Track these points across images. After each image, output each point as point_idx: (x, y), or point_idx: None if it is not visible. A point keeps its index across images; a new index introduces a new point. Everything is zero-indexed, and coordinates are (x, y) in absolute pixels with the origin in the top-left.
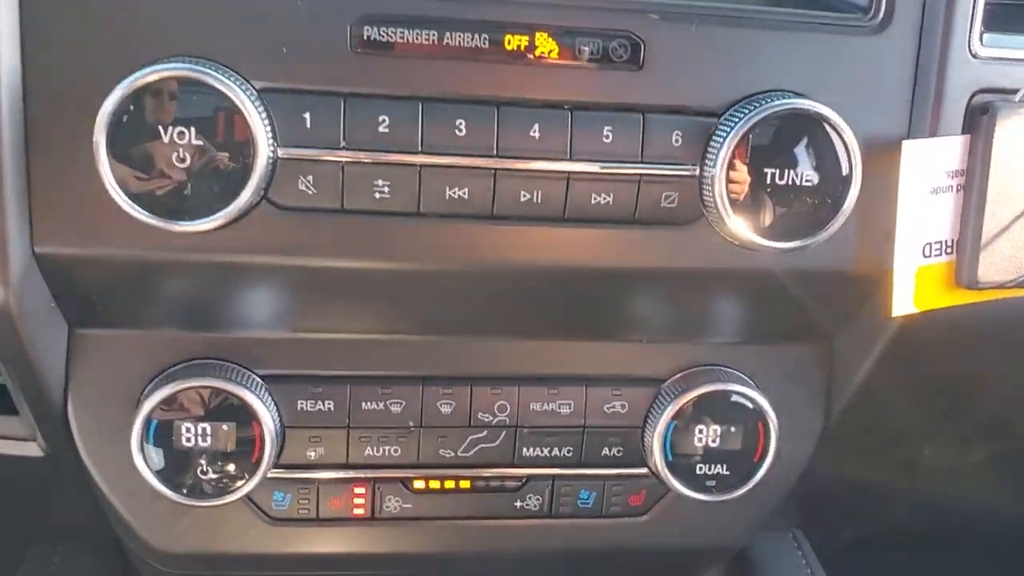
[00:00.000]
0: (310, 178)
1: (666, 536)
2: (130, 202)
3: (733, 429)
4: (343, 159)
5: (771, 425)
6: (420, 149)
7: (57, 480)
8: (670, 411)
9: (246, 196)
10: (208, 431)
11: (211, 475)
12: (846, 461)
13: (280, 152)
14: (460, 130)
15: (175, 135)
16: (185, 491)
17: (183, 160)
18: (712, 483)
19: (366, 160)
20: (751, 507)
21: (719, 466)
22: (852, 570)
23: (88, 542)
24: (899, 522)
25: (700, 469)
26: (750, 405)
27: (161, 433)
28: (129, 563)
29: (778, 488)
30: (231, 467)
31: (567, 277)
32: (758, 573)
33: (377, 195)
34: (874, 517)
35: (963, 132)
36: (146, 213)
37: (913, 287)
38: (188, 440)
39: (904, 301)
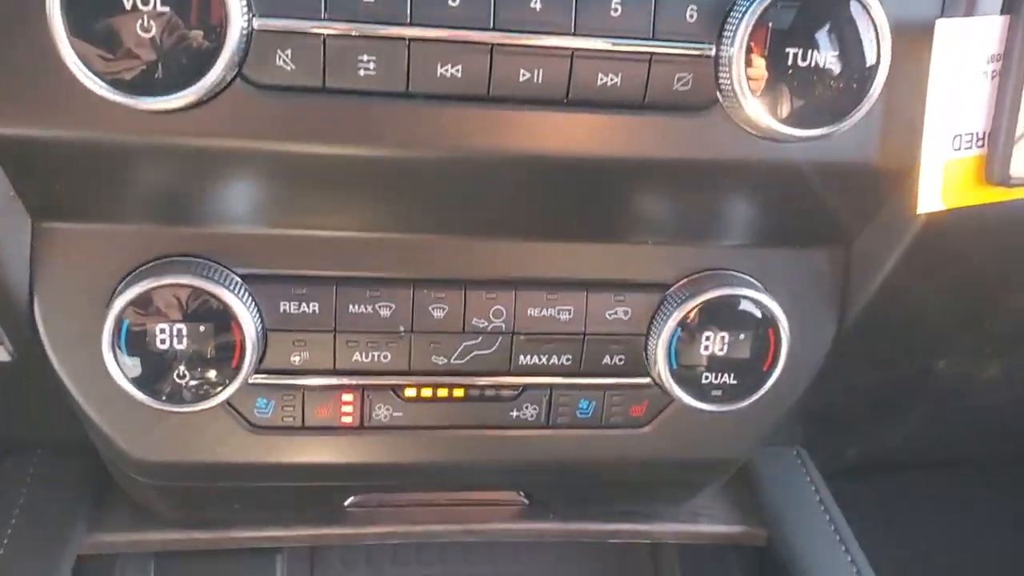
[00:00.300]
0: (288, 52)
1: (668, 449)
2: (92, 76)
3: (742, 336)
4: (324, 31)
5: (782, 332)
6: (409, 20)
7: (28, 386)
8: (676, 317)
9: (218, 71)
10: (184, 333)
11: (188, 380)
12: (856, 373)
13: (256, 23)
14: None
15: (139, 2)
16: (161, 397)
17: (148, 31)
18: (718, 393)
19: (350, 33)
20: (757, 419)
21: (726, 375)
22: (852, 492)
23: (65, 450)
24: (905, 440)
25: (706, 378)
26: (760, 311)
27: (134, 335)
28: (108, 470)
29: (786, 399)
30: (210, 372)
31: (568, 168)
32: (761, 490)
33: (361, 72)
34: (880, 434)
35: (1002, 12)
36: (109, 88)
37: (941, 182)
38: (163, 343)
39: (931, 197)
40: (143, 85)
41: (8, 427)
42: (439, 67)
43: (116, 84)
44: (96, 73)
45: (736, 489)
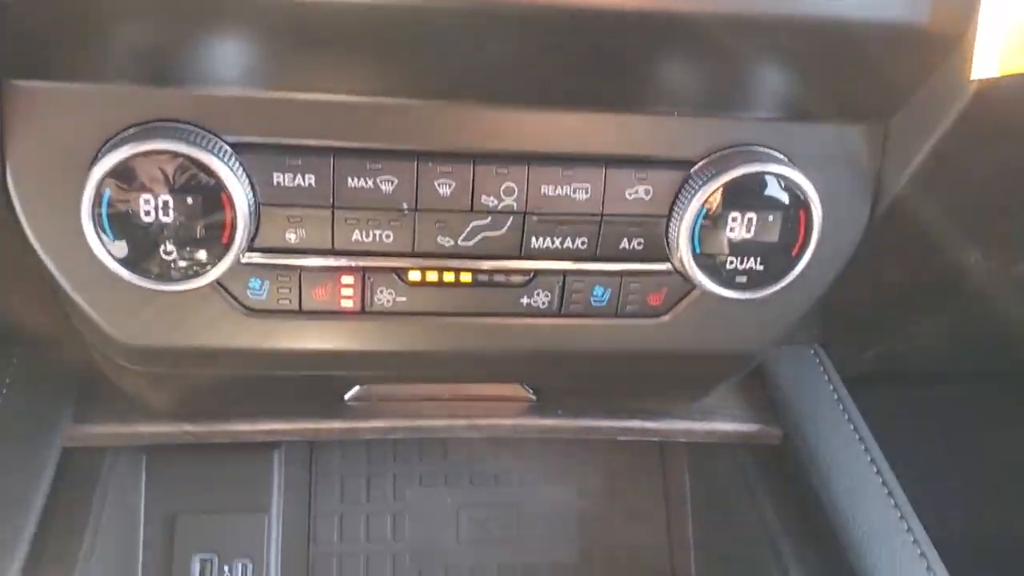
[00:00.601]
0: None
1: (685, 340)
2: None
3: (771, 218)
4: None
5: (814, 215)
6: None
7: (4, 269)
8: (700, 197)
9: None
10: (170, 205)
11: (176, 257)
12: (884, 266)
13: None
14: None
15: None
16: (147, 275)
17: None
18: (743, 280)
19: None
20: (782, 309)
21: (752, 260)
22: (867, 401)
23: (48, 341)
24: (925, 347)
25: (731, 264)
26: (792, 191)
27: (115, 207)
28: (94, 361)
29: (814, 288)
30: (199, 248)
31: (591, 19)
32: (777, 388)
33: None
34: (901, 337)
35: None
36: None
37: (1000, 45)
38: (147, 215)
39: (987, 62)
40: None
41: None
42: None
43: None
44: None
45: (750, 387)
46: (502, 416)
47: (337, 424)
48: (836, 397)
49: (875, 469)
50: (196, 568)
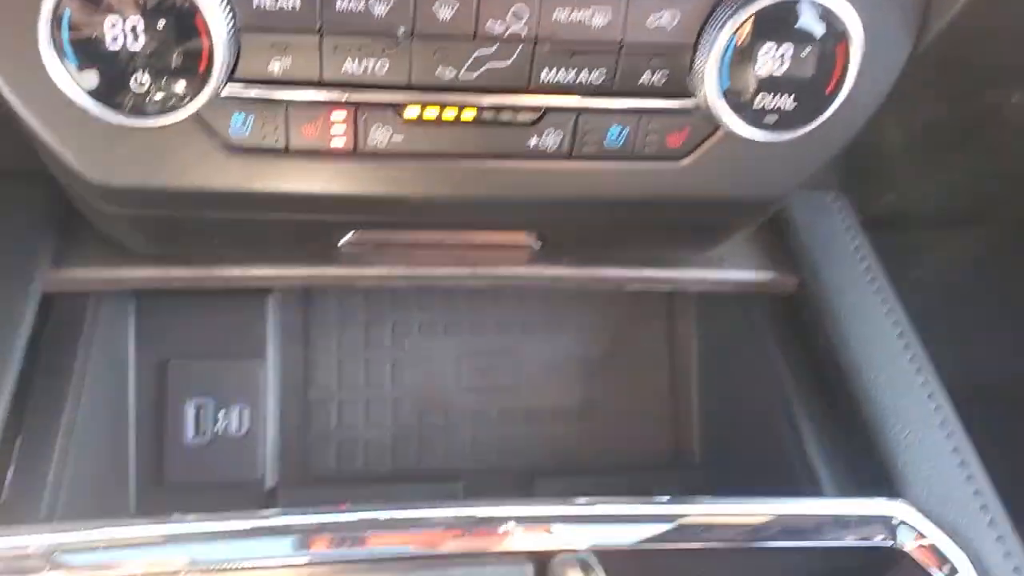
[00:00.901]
0: None
1: (706, 184)
2: None
3: (807, 51)
4: None
5: (853, 48)
6: None
7: None
8: (731, 26)
9: None
10: (140, 28)
11: (149, 87)
12: (919, 104)
13: None
14: None
15: None
16: (117, 107)
17: None
18: (772, 119)
19: None
20: (812, 152)
21: (783, 98)
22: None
23: (17, 176)
24: (950, 192)
25: (760, 102)
26: (831, 21)
27: (78, 30)
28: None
29: (847, 129)
30: (173, 78)
31: None
32: (793, 234)
33: None
34: (926, 181)
35: None
36: None
37: None
38: (115, 41)
39: None
40: None
41: None
42: None
43: None
44: None
45: (765, 234)
46: (505, 264)
47: (332, 271)
48: (855, 245)
49: (892, 319)
50: (191, 413)
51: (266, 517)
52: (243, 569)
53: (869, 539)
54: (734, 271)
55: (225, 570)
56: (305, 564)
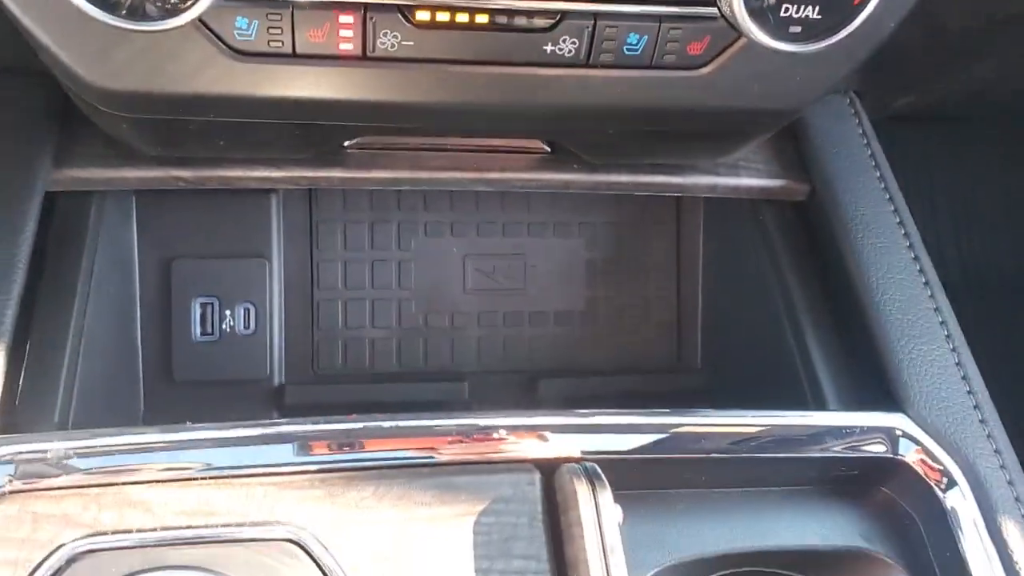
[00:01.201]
0: None
1: (725, 95)
2: None
3: None
4: None
5: None
6: None
7: None
8: None
9: None
10: None
11: None
12: (945, 7)
13: None
14: None
15: None
16: (116, 10)
17: None
18: (797, 29)
19: None
20: (833, 64)
21: (809, 7)
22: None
23: (17, 72)
24: (968, 93)
25: (785, 10)
26: None
27: None
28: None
29: (872, 39)
30: None
31: None
32: (807, 140)
33: None
34: (945, 81)
35: None
36: None
37: None
38: None
39: None
40: None
41: None
42: None
43: None
44: None
45: (779, 140)
46: (514, 170)
47: (337, 173)
48: (869, 152)
49: (903, 232)
50: (197, 312)
51: (275, 425)
52: (253, 475)
53: (870, 450)
54: (745, 177)
55: (236, 475)
56: (314, 471)
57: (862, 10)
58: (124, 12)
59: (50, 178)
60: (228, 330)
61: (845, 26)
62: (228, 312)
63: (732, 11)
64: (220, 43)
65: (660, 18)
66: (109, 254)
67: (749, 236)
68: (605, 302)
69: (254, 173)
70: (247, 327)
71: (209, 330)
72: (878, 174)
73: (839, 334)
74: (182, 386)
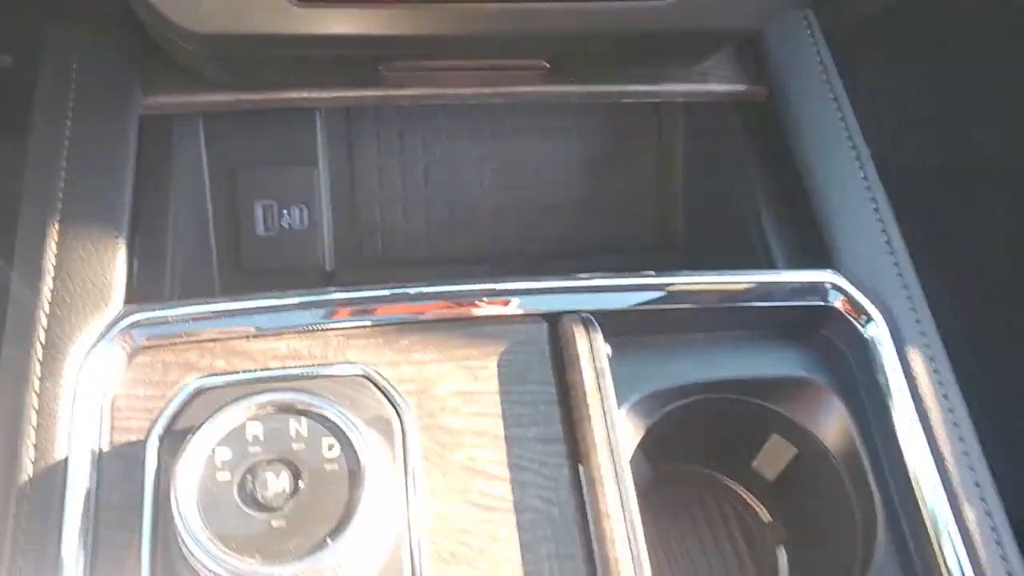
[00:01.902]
0: None
1: (690, 18)
2: None
3: None
4: None
5: None
6: None
7: None
8: None
9: None
10: None
11: None
12: None
13: None
14: None
15: None
16: None
17: None
18: None
19: None
20: None
21: None
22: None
23: (106, 19)
24: None
25: None
26: None
27: None
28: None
29: None
30: None
31: None
32: (766, 52)
33: None
34: None
35: None
36: None
37: None
38: None
39: None
40: None
41: None
42: None
43: None
44: None
45: (743, 53)
46: (522, 84)
47: (372, 92)
48: (819, 60)
49: (843, 126)
50: (259, 212)
51: (342, 291)
52: (328, 329)
53: (807, 300)
54: (715, 84)
55: (315, 330)
56: (372, 325)
57: None
58: None
59: (142, 105)
60: (286, 227)
61: None
62: (285, 211)
63: None
64: None
65: None
66: (187, 166)
67: (722, 134)
68: (601, 195)
69: (305, 95)
70: (301, 223)
71: (270, 227)
72: (825, 79)
73: (790, 215)
74: (249, 274)
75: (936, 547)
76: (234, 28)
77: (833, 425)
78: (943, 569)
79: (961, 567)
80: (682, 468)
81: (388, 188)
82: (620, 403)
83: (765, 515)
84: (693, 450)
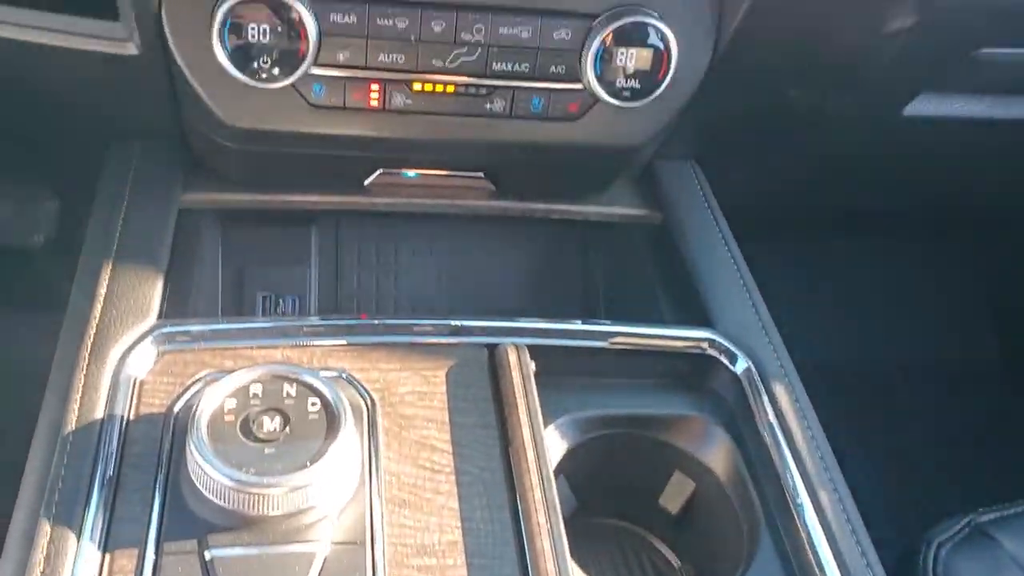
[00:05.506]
0: None
1: (593, 135)
2: None
3: (645, 53)
4: None
5: (673, 52)
6: None
7: (142, 78)
8: (600, 37)
9: None
10: (268, 30)
11: (270, 65)
12: (730, 96)
13: None
14: None
15: None
16: (250, 75)
17: None
18: (627, 94)
19: None
20: (655, 114)
21: (633, 81)
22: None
23: (157, 136)
24: (782, 180)
25: (619, 83)
26: (659, 36)
27: (233, 30)
28: (190, 157)
29: (675, 101)
30: (284, 61)
31: None
32: (660, 186)
33: None
34: (755, 161)
35: None
36: None
37: None
38: (253, 36)
39: None
40: None
41: (117, 117)
42: None
43: None
44: None
45: (644, 187)
46: (473, 199)
47: (359, 199)
48: (702, 193)
49: (724, 244)
50: (260, 301)
51: (325, 319)
52: (312, 345)
53: (693, 351)
54: (620, 208)
55: (302, 345)
56: (331, 344)
57: (663, 83)
58: (254, 77)
59: (183, 200)
60: (280, 313)
61: (654, 91)
62: (281, 301)
63: (591, 86)
64: (303, 99)
65: (550, 90)
66: (207, 259)
67: (630, 249)
68: (536, 297)
69: (306, 198)
70: (294, 311)
71: (267, 313)
72: (705, 204)
73: (685, 297)
74: None
75: (804, 534)
76: (262, 124)
77: (720, 453)
78: (809, 552)
79: (823, 548)
80: (592, 521)
81: (365, 287)
82: (545, 423)
83: (674, 559)
84: (607, 487)
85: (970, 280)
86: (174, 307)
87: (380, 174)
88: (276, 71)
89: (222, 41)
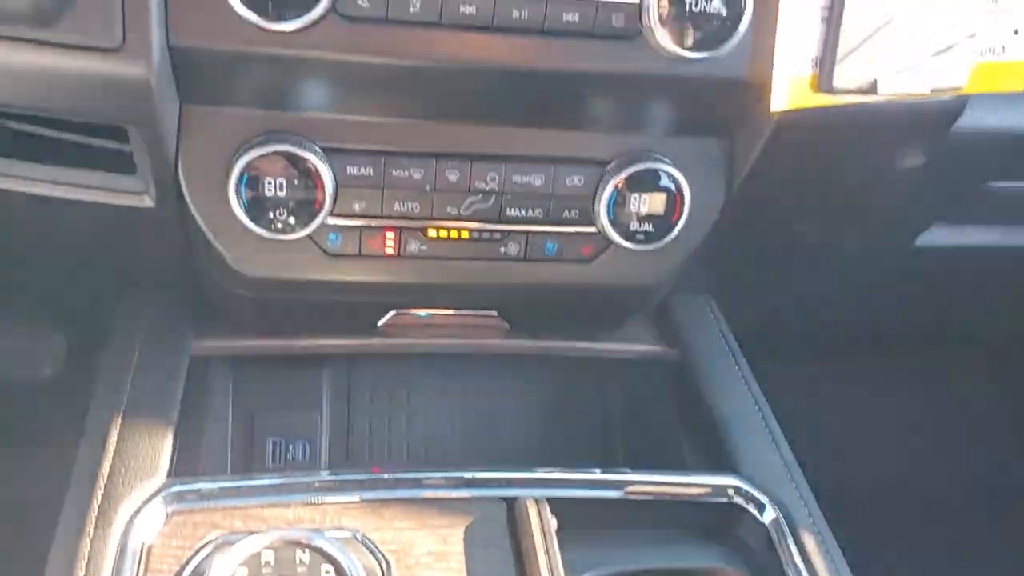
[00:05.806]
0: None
1: (607, 277)
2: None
3: (658, 196)
4: None
5: (685, 196)
6: None
7: (157, 229)
8: (613, 183)
9: (320, 8)
10: (283, 184)
11: (286, 217)
12: (744, 235)
13: None
14: None
15: None
16: (266, 227)
17: None
18: (641, 237)
19: None
20: (669, 257)
21: (647, 224)
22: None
23: (170, 283)
24: (797, 309)
25: (633, 227)
26: (671, 180)
27: (250, 184)
28: (201, 303)
29: (689, 244)
30: (300, 213)
31: (540, 75)
32: (677, 322)
33: (411, 9)
34: (770, 294)
35: None
36: (253, 14)
37: (787, 91)
38: (269, 190)
39: (780, 100)
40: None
41: (132, 266)
42: (461, 6)
43: (257, 9)
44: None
45: (660, 322)
46: (489, 337)
47: (371, 341)
48: (719, 329)
49: (744, 383)
50: (270, 446)
51: (336, 474)
52: (326, 503)
53: (720, 500)
54: (638, 345)
55: (316, 503)
56: (365, 500)
57: (676, 226)
58: (271, 229)
59: (192, 348)
60: (291, 459)
61: (668, 235)
62: (291, 446)
63: (604, 230)
64: (319, 248)
65: (564, 234)
66: (217, 403)
67: (648, 387)
68: (551, 440)
69: (318, 342)
70: (304, 457)
71: (277, 460)
72: (723, 341)
73: (706, 441)
74: None
75: None
76: (278, 274)
77: None
78: None
79: None
80: None
81: (377, 432)
82: None
83: None
84: None
85: (995, 397)
86: (184, 456)
87: (393, 315)
88: (292, 222)
89: (239, 195)
